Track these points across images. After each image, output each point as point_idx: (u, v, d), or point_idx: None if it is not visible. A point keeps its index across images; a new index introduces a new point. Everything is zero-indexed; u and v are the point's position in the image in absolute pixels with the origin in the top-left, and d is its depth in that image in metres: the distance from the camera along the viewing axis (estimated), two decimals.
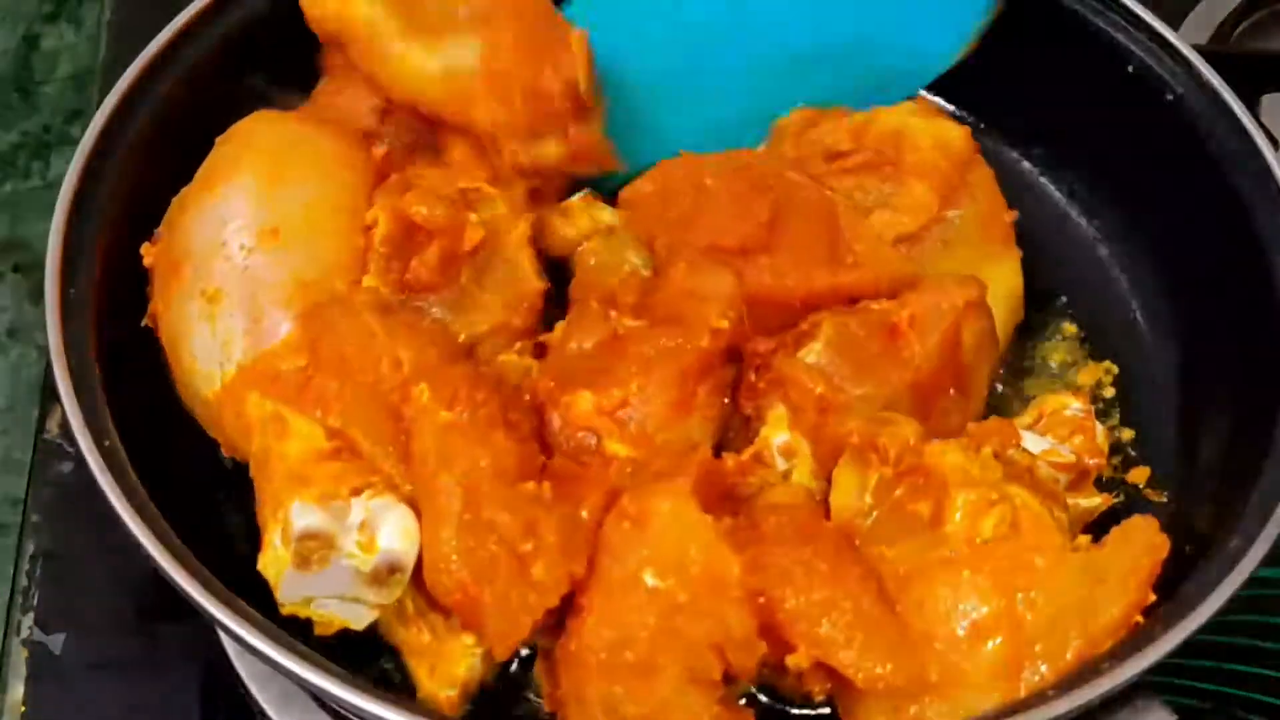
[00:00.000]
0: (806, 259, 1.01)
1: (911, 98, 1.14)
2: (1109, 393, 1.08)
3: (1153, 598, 0.88)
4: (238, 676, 0.95)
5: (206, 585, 0.86)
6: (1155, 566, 0.88)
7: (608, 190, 1.08)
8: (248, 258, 0.97)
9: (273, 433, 0.91)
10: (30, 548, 1.07)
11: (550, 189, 1.07)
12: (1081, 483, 0.98)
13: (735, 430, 0.99)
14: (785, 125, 1.11)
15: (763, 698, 0.94)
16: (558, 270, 1.06)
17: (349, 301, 0.96)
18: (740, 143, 1.10)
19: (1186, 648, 0.85)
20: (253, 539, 0.91)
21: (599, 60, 1.01)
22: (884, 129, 1.08)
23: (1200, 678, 1.02)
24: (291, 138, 1.02)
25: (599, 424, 0.94)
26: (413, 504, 0.90)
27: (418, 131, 1.07)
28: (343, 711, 0.88)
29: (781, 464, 0.96)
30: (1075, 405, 0.99)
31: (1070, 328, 1.11)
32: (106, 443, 0.90)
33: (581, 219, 1.07)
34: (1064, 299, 1.12)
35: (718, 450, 0.96)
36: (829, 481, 0.95)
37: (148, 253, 1.00)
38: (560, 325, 1.01)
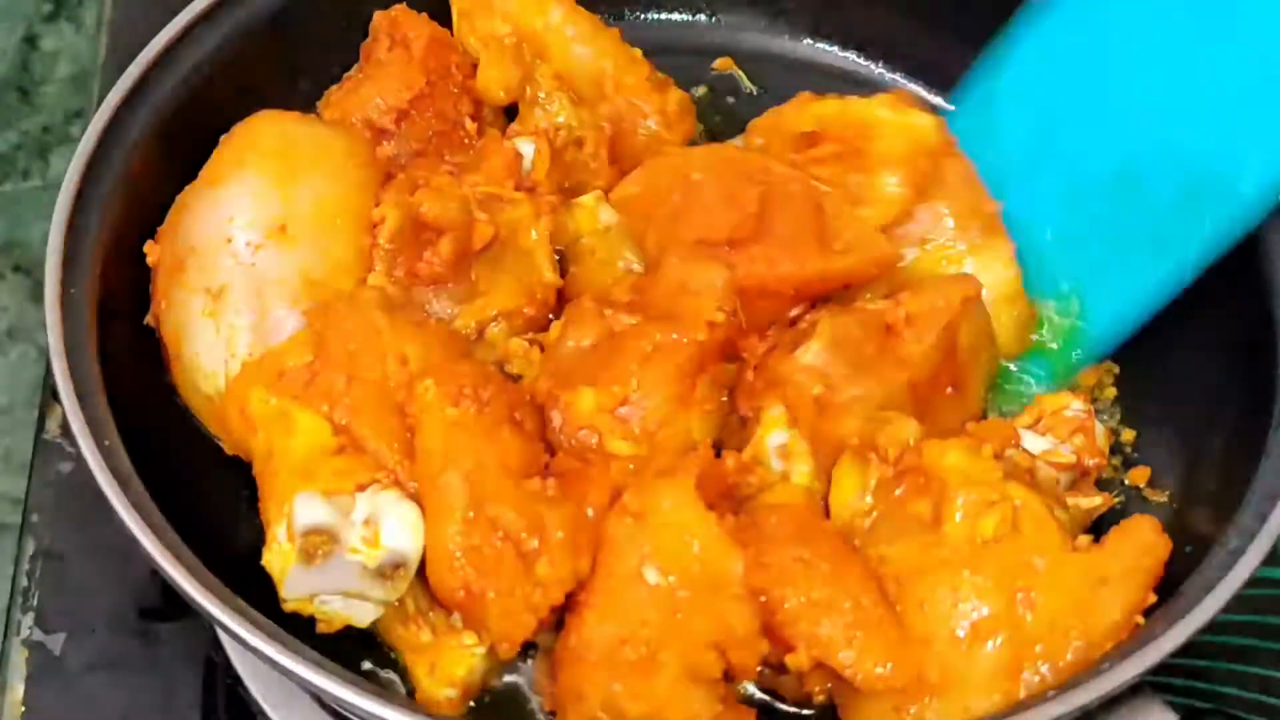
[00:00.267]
0: (797, 247, 1.00)
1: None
2: (1110, 393, 1.08)
3: (1153, 598, 0.88)
4: (238, 676, 0.95)
5: (206, 585, 0.85)
6: (1157, 567, 0.88)
7: None
8: (255, 254, 0.97)
9: (278, 429, 0.91)
10: (30, 548, 1.06)
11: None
12: (1082, 483, 0.98)
13: (734, 430, 0.99)
14: (758, 122, 1.10)
15: (763, 696, 0.94)
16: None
17: (355, 298, 0.96)
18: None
19: (1186, 648, 0.85)
20: (253, 539, 0.91)
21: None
22: (851, 119, 1.07)
23: (1200, 678, 1.02)
24: (299, 136, 1.02)
25: (599, 422, 0.94)
26: (418, 500, 0.90)
27: (429, 138, 1.07)
28: (343, 711, 0.88)
29: (778, 464, 0.96)
30: (1076, 405, 0.99)
31: None
32: (106, 442, 0.90)
33: (584, 218, 1.07)
34: None
35: (717, 450, 0.96)
36: (829, 481, 0.95)
37: (151, 250, 1.00)
38: (556, 324, 1.01)
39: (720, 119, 1.20)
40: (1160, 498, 1.03)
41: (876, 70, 1.23)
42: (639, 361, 0.95)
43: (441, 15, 1.12)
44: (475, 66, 1.11)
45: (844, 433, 0.96)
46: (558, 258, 1.05)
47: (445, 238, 0.99)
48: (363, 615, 0.91)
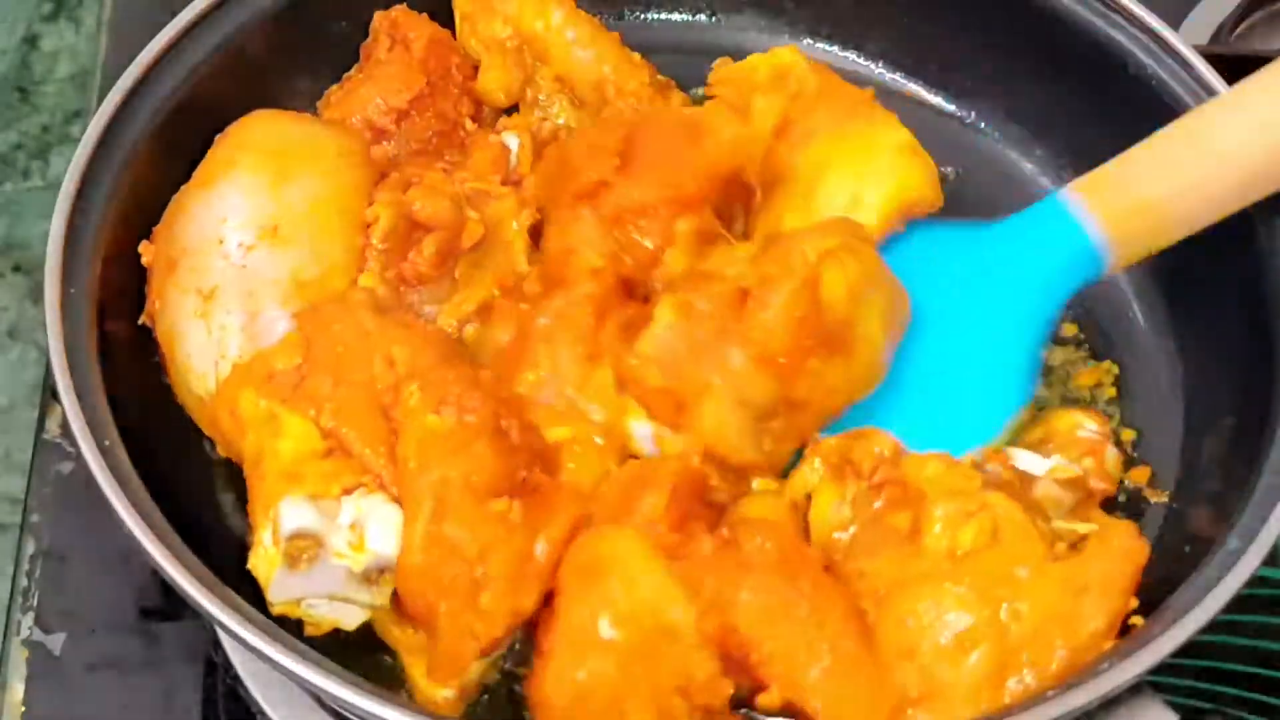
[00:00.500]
0: (661, 163, 0.98)
1: None
2: (1109, 393, 1.08)
3: (1134, 604, 0.87)
4: (238, 676, 0.95)
5: (206, 584, 0.85)
6: (1136, 573, 0.88)
7: None
8: (246, 255, 0.97)
9: (267, 431, 0.91)
10: (30, 548, 1.06)
11: None
12: (1086, 504, 0.96)
13: None
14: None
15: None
16: None
17: (345, 300, 0.96)
18: None
19: (1186, 648, 0.85)
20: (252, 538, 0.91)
21: None
22: (736, 72, 1.10)
23: (1200, 678, 1.02)
24: (292, 135, 1.02)
25: (536, 416, 0.93)
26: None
27: (429, 138, 1.07)
28: (343, 711, 0.88)
29: (652, 448, 0.94)
30: (1090, 426, 0.98)
31: (1071, 328, 1.11)
32: (106, 442, 0.90)
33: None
34: None
35: None
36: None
37: (146, 251, 1.00)
38: (470, 329, 1.01)
39: None
40: (1161, 498, 1.03)
41: (877, 70, 1.23)
42: (543, 340, 0.95)
43: (442, 16, 1.13)
44: (476, 68, 1.12)
45: (715, 429, 0.92)
46: None
47: (429, 236, 0.99)
48: (350, 619, 0.91)
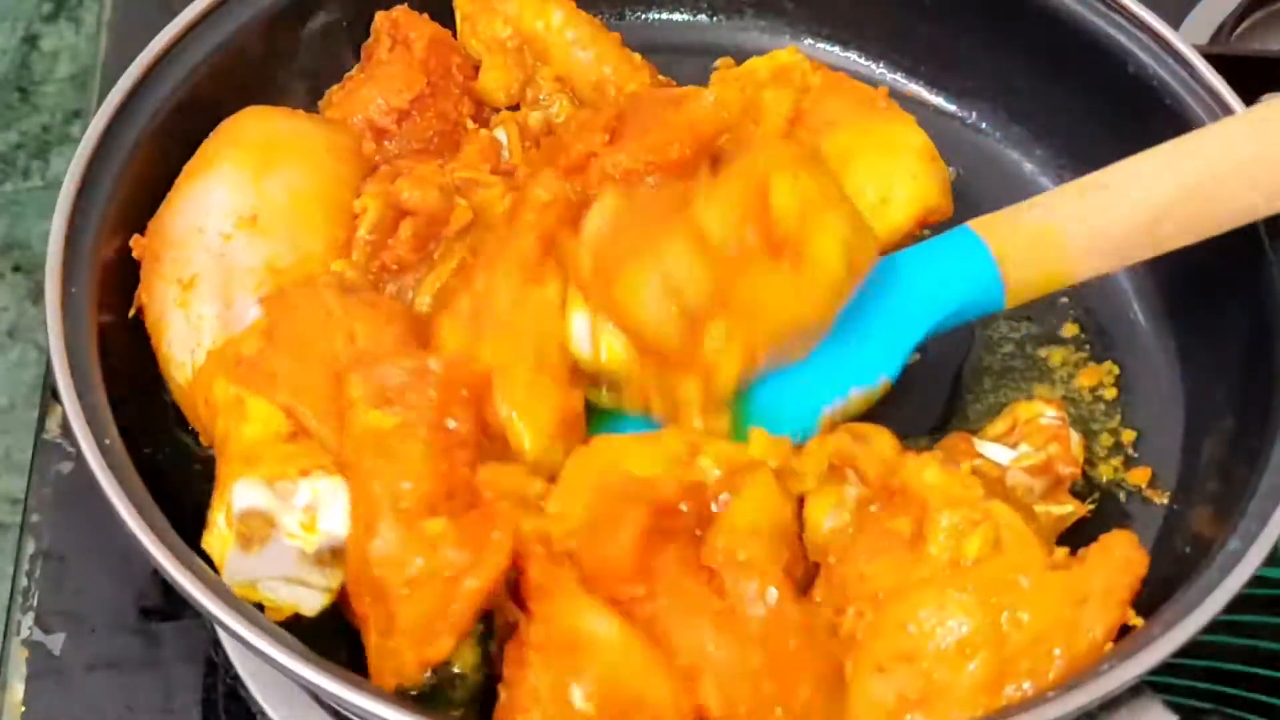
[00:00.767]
0: (648, 132, 0.97)
1: None
2: (1110, 394, 1.08)
3: (1131, 615, 0.87)
4: (238, 676, 0.95)
5: (205, 583, 0.85)
6: (1135, 583, 0.88)
7: None
8: (225, 244, 0.97)
9: (233, 416, 0.90)
10: (30, 548, 1.06)
11: None
12: (1056, 490, 0.97)
13: None
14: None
15: None
16: None
17: (310, 282, 0.95)
18: None
19: (1186, 647, 0.85)
20: None
21: None
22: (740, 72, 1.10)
23: (1200, 678, 1.02)
24: (280, 130, 1.02)
25: (481, 351, 0.93)
26: None
27: (429, 138, 1.07)
28: (342, 710, 0.88)
29: (588, 349, 0.93)
30: (1050, 413, 0.98)
31: (1072, 328, 1.11)
32: (107, 440, 0.90)
33: None
34: (1065, 299, 1.12)
35: None
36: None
37: (136, 244, 1.00)
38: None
39: None
40: (1160, 499, 1.03)
41: (878, 71, 1.23)
42: (483, 266, 0.95)
43: (443, 16, 1.13)
44: (477, 68, 1.12)
45: (640, 308, 0.91)
46: None
47: (405, 221, 0.99)
48: (310, 603, 0.89)
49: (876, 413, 1.04)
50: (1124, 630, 0.87)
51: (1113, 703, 0.84)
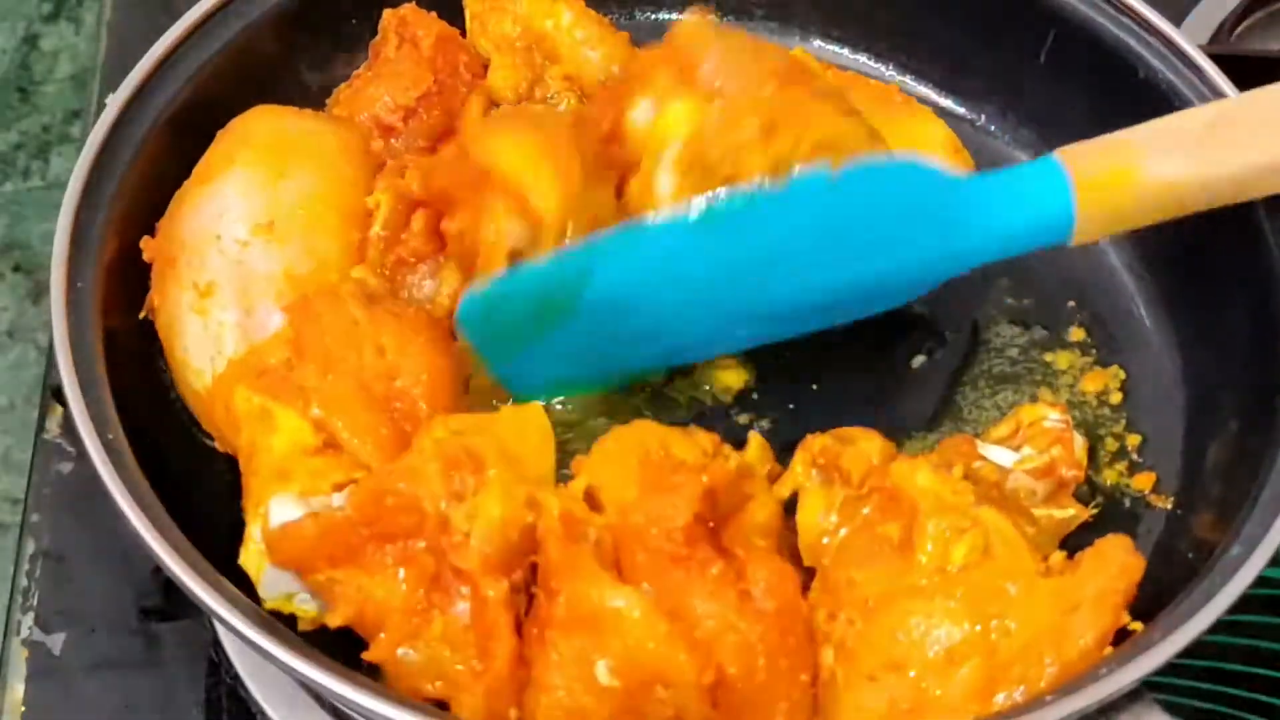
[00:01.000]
0: None
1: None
2: (1116, 398, 1.08)
3: (1126, 619, 0.87)
4: (238, 676, 0.95)
5: (206, 578, 0.85)
6: (1130, 588, 0.87)
7: None
8: (242, 251, 0.97)
9: (260, 428, 0.91)
10: (30, 548, 1.06)
11: None
12: (1059, 494, 0.96)
13: None
14: None
15: None
16: None
17: (334, 291, 0.96)
18: None
19: (1186, 649, 0.85)
20: None
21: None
22: None
23: (1200, 678, 1.02)
24: (291, 131, 1.03)
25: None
26: None
27: (437, 136, 1.07)
28: (343, 709, 0.88)
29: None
30: (1054, 416, 0.98)
31: (1078, 333, 1.11)
32: (110, 436, 0.90)
33: None
34: (1071, 304, 1.12)
35: None
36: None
37: (147, 246, 1.00)
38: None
39: None
40: (1164, 503, 1.03)
41: (887, 73, 1.23)
42: None
43: (450, 14, 1.13)
44: (485, 66, 1.12)
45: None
46: None
47: (416, 213, 0.99)
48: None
49: (877, 413, 1.04)
50: (1122, 634, 0.87)
51: (1112, 707, 0.84)
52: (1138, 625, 0.87)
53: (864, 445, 0.93)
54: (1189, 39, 1.10)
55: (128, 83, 1.03)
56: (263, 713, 0.95)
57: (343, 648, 0.88)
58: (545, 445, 0.92)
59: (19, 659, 1.02)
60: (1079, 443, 0.98)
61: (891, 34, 1.22)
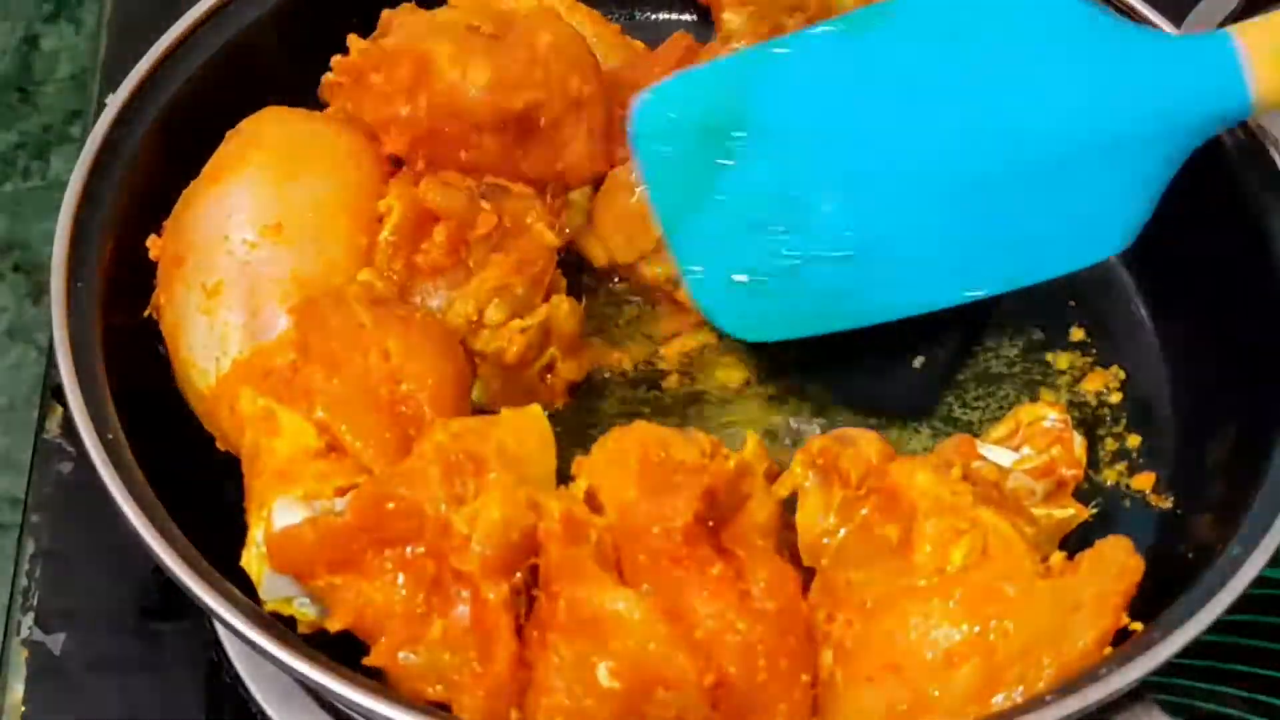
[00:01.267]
0: None
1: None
2: (1116, 399, 1.08)
3: (1125, 620, 0.87)
4: (238, 676, 0.95)
5: (206, 578, 0.85)
6: (1130, 589, 0.87)
7: None
8: (249, 252, 0.97)
9: (263, 429, 0.90)
10: (30, 548, 1.06)
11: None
12: (1058, 494, 0.96)
13: None
14: None
15: None
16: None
17: (341, 294, 0.96)
18: None
19: (1186, 649, 0.85)
20: None
21: None
22: None
23: (1200, 678, 1.02)
24: (302, 133, 1.02)
25: None
26: None
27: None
28: (344, 709, 0.88)
29: None
30: (1053, 416, 0.98)
31: (1078, 333, 1.11)
32: (110, 435, 0.90)
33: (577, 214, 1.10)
34: (1072, 304, 1.12)
35: None
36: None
37: (154, 245, 1.00)
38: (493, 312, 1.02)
39: None
40: (1164, 503, 1.03)
41: None
42: None
43: None
44: None
45: None
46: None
47: (440, 225, 1.00)
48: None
49: (878, 414, 1.04)
50: (1122, 634, 0.87)
51: (1112, 707, 0.84)
52: (1138, 625, 0.87)
53: (863, 446, 0.93)
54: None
55: (128, 83, 1.03)
56: (263, 713, 0.95)
57: (343, 648, 0.88)
58: (546, 447, 0.92)
59: (19, 659, 1.02)
60: (1078, 442, 0.98)
61: None
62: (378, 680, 0.86)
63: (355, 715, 0.87)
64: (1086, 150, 0.98)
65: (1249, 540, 0.90)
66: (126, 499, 0.87)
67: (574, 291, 1.06)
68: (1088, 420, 1.07)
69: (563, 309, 1.02)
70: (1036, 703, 0.83)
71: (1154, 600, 0.89)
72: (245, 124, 1.03)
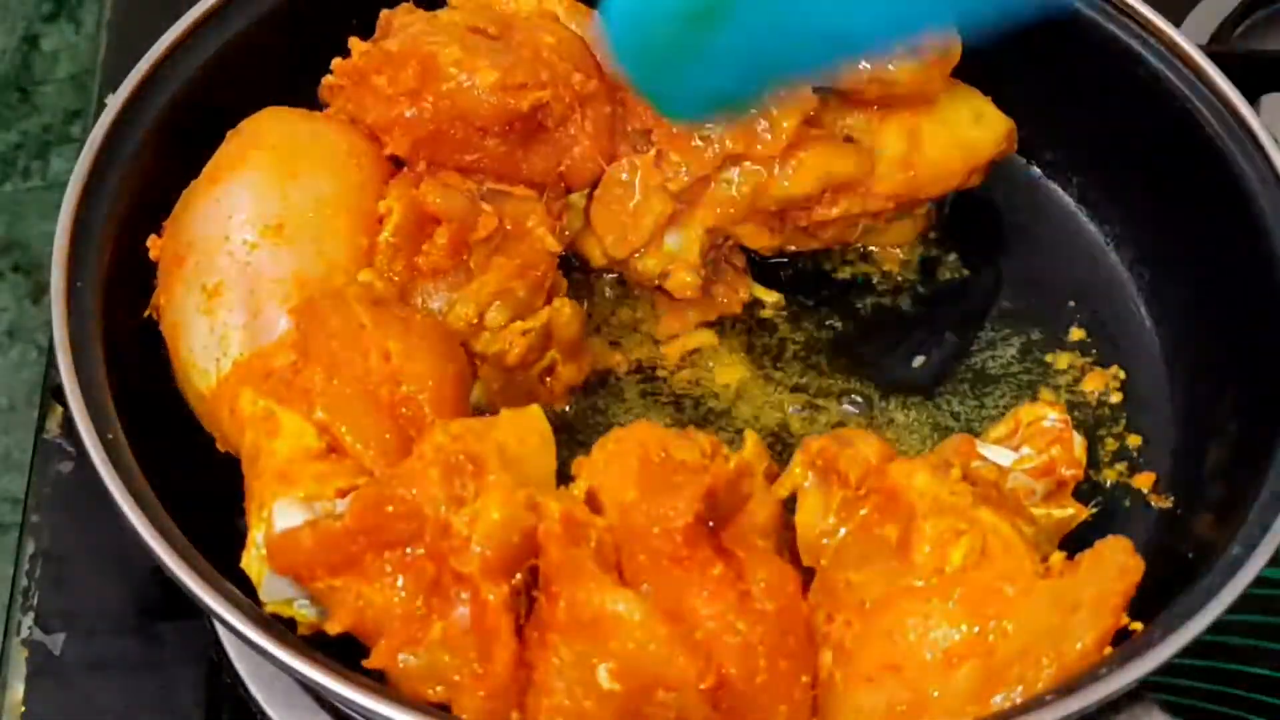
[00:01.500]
0: None
1: None
2: (1116, 398, 1.08)
3: (1125, 620, 0.87)
4: (238, 676, 0.95)
5: (206, 578, 0.85)
6: (1129, 590, 0.87)
7: None
8: (250, 253, 0.97)
9: (264, 431, 0.90)
10: (30, 548, 1.06)
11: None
12: (1058, 493, 0.96)
13: None
14: None
15: None
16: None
17: (341, 294, 0.96)
18: None
19: (1186, 649, 0.85)
20: None
21: None
22: None
23: (1200, 678, 1.02)
24: (302, 134, 1.02)
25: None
26: None
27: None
28: (344, 709, 0.88)
29: None
30: (1052, 416, 0.98)
31: (1078, 332, 1.11)
32: (110, 435, 0.90)
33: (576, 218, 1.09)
34: (1072, 303, 1.12)
35: None
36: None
37: (154, 245, 1.00)
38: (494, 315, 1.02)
39: None
40: (1164, 503, 1.03)
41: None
42: None
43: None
44: None
45: None
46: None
47: (442, 227, 0.99)
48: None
49: (878, 415, 1.04)
50: (1122, 634, 0.87)
51: (1112, 707, 0.84)
52: (1138, 625, 0.87)
53: (862, 446, 0.93)
54: (1189, 39, 1.10)
55: (128, 83, 1.03)
56: (263, 713, 0.95)
57: (343, 648, 0.88)
58: (545, 448, 0.92)
59: (19, 659, 1.02)
60: (1078, 442, 0.98)
61: None
62: (380, 681, 0.86)
63: (355, 715, 0.86)
64: None
65: (1249, 540, 0.90)
66: (126, 499, 0.88)
67: (574, 292, 1.06)
68: (1088, 420, 1.07)
69: (564, 312, 1.03)
70: (1036, 703, 0.83)
71: (1154, 600, 0.89)
72: (245, 124, 1.03)
